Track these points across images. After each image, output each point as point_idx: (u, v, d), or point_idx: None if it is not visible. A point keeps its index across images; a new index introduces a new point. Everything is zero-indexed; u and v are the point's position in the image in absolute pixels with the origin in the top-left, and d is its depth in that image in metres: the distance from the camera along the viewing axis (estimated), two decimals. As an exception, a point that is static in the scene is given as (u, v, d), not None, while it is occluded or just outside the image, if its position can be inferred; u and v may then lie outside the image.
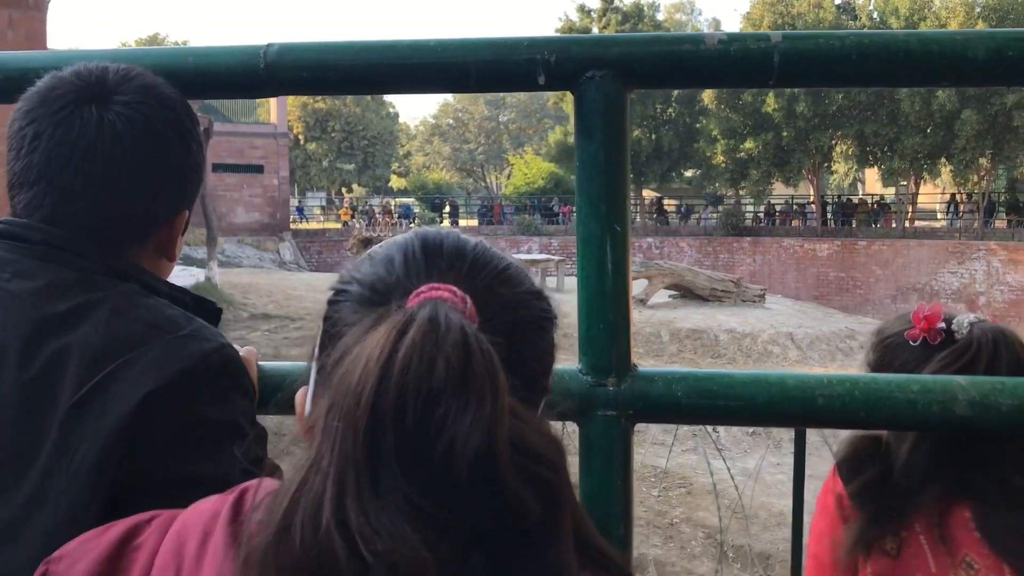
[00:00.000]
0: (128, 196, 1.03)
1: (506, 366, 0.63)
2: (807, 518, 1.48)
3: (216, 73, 1.17)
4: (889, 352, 1.40)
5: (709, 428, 13.90)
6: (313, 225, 38.28)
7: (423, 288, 0.65)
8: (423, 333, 0.59)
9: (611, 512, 1.13)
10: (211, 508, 0.71)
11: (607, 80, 1.11)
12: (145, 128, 1.02)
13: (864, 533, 1.31)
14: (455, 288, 0.65)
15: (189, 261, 22.14)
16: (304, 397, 0.74)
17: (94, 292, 1.00)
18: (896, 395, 1.10)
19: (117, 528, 0.74)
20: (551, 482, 0.61)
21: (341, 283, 0.73)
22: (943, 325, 1.36)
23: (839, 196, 38.35)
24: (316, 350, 0.73)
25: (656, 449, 9.19)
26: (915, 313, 1.39)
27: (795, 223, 35.39)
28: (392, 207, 39.07)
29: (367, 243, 19.88)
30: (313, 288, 18.26)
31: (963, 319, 1.36)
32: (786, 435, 12.94)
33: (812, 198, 36.19)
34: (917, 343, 1.36)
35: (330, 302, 0.73)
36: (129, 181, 1.02)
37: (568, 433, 1.20)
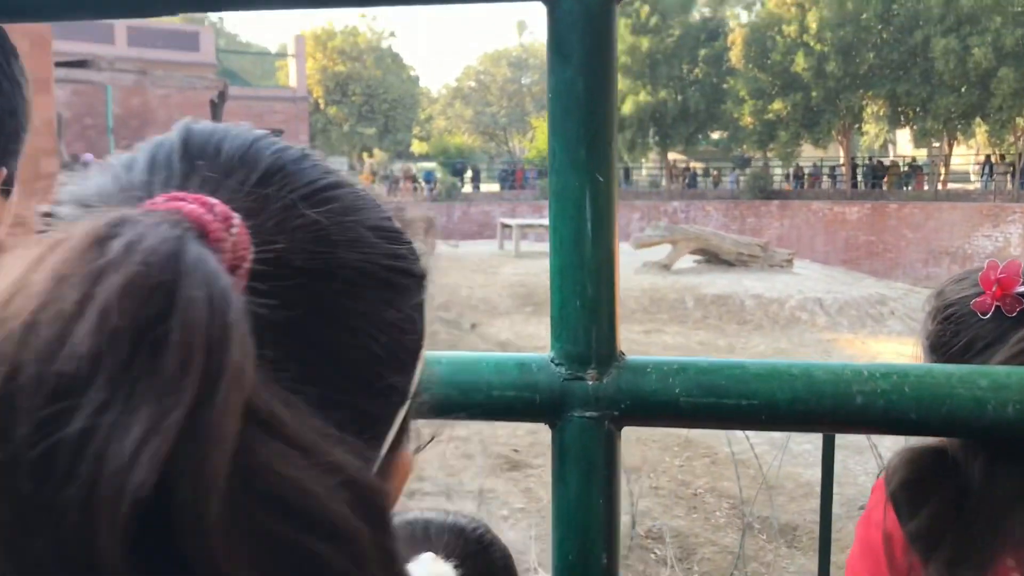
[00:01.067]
0: None
1: (308, 349, 0.39)
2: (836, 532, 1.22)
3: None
4: (952, 325, 1.08)
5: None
6: (336, 190, 37.97)
7: (158, 199, 0.39)
8: (56, 276, 0.32)
9: (590, 536, 0.89)
10: None
11: (586, -15, 0.86)
12: None
13: None
14: (215, 202, 0.39)
15: (210, 227, 22.02)
16: None
17: None
18: (959, 392, 0.85)
19: None
20: (333, 567, 0.34)
21: (54, 202, 0.45)
22: (1022, 290, 1.04)
23: (869, 158, 37.58)
24: None
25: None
26: (984, 274, 1.07)
27: (824, 186, 34.79)
28: (413, 172, 38.79)
29: None
30: (333, 254, 18.15)
31: None
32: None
33: (842, 160, 35.53)
34: (988, 314, 1.06)
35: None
36: None
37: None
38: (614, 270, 0.89)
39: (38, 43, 7.84)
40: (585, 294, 0.88)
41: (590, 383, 0.89)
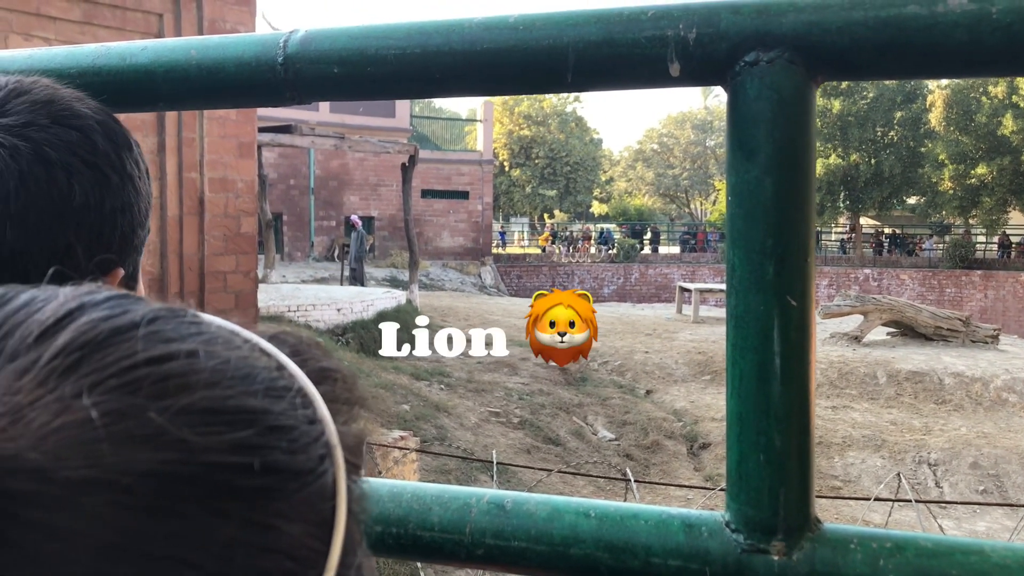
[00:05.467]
0: (23, 254, 0.69)
1: None
2: None
3: (224, 72, 0.85)
4: None
5: (931, 481, 12.58)
6: (515, 250, 38.80)
7: None
8: None
9: None
10: None
11: (780, 66, 0.70)
12: (35, 158, 0.68)
13: None
14: None
15: (395, 283, 22.87)
16: None
17: None
18: None
19: None
20: None
21: None
22: None
23: (1089, 226, 34.53)
24: None
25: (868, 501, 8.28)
26: None
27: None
28: (592, 232, 38.90)
29: None
30: (509, 313, 18.27)
31: None
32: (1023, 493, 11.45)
33: (1056, 228, 32.80)
34: None
35: None
36: (20, 233, 0.69)
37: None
38: (809, 417, 0.71)
39: (244, 112, 8.36)
40: (771, 447, 0.70)
41: (776, 558, 0.71)
